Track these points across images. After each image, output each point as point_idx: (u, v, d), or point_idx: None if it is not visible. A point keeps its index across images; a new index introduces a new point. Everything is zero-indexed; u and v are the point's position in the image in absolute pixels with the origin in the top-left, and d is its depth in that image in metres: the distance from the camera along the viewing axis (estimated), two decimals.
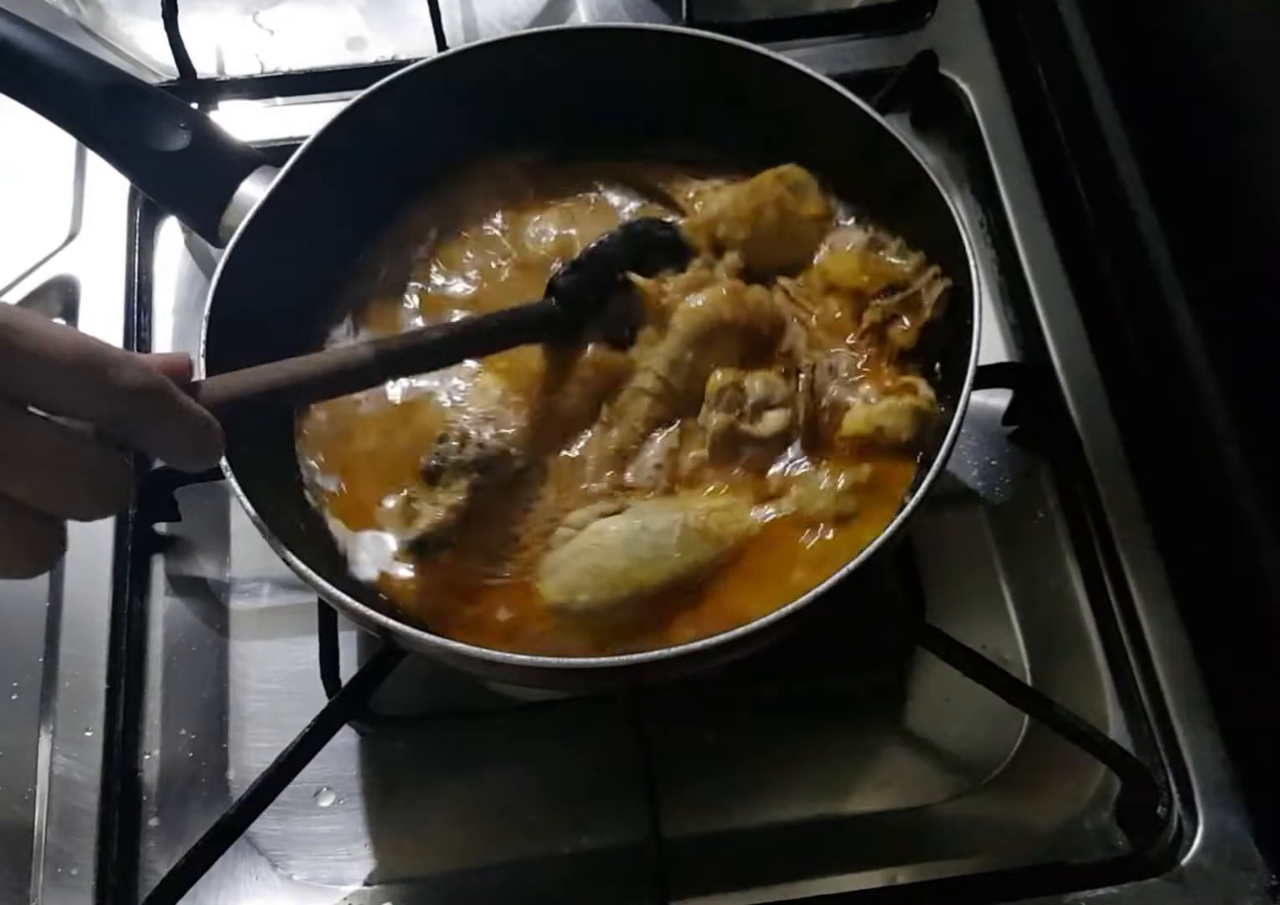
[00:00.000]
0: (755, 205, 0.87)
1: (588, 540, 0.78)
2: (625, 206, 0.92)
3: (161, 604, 0.92)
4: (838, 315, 0.85)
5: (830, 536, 0.78)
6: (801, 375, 0.82)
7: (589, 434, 0.83)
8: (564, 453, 0.82)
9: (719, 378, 0.82)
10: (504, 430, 0.83)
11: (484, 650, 0.71)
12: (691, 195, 0.90)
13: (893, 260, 0.86)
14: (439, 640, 0.71)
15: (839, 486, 0.79)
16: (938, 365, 0.84)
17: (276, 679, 0.89)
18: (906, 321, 0.83)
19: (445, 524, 0.80)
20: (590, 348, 0.83)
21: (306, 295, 0.88)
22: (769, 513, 0.79)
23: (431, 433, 0.83)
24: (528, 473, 0.82)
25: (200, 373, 0.76)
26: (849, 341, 0.84)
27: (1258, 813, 0.81)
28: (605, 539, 0.78)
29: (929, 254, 0.85)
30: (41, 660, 0.88)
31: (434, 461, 0.82)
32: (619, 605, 0.76)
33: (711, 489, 0.80)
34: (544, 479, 0.82)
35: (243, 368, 0.66)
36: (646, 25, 0.93)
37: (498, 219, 0.92)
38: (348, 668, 0.85)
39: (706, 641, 0.69)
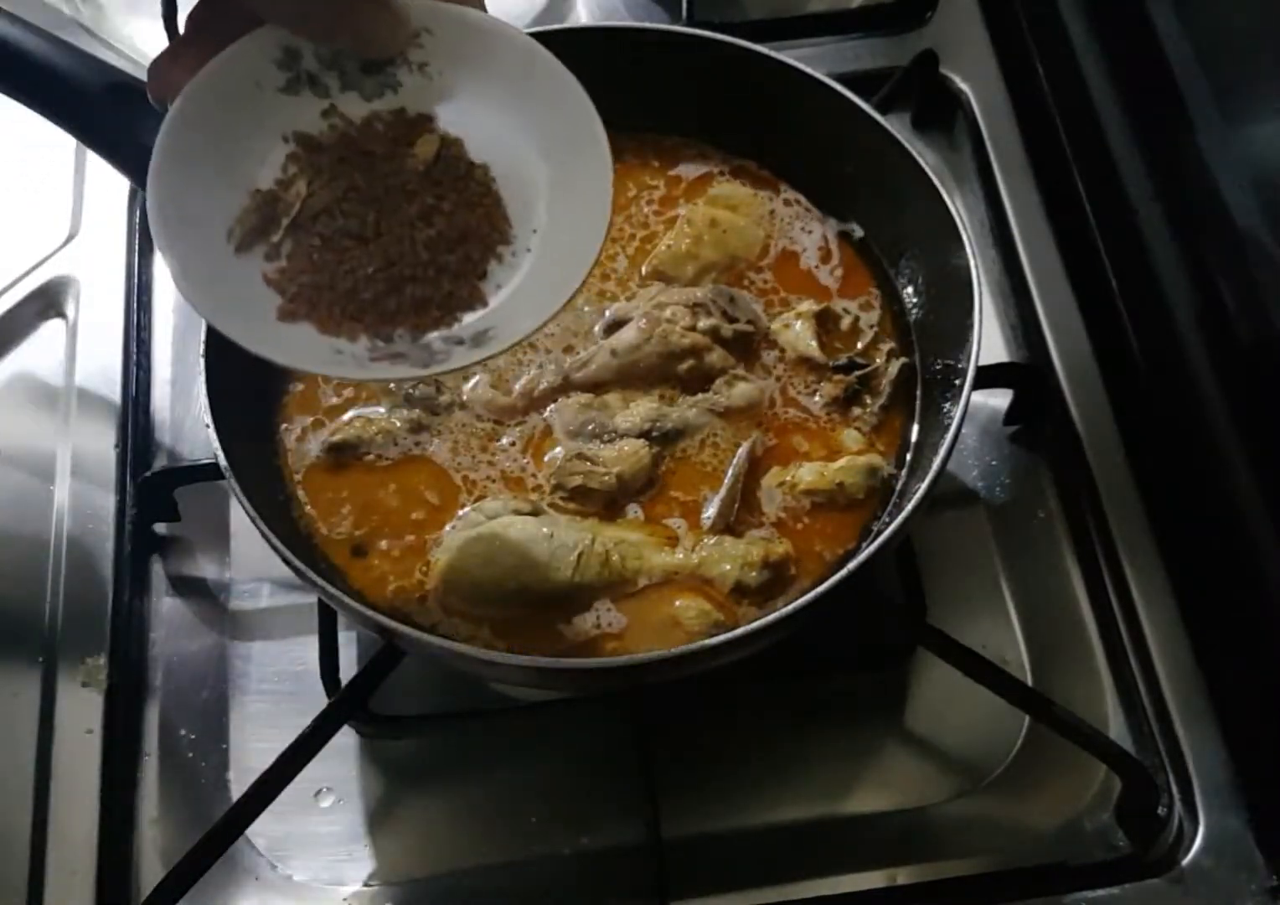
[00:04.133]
0: (694, 236, 0.89)
1: (491, 528, 0.79)
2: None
3: (161, 604, 0.92)
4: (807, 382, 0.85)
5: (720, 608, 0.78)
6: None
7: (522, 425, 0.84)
8: (496, 440, 0.83)
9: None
10: (469, 392, 0.84)
11: (484, 650, 0.71)
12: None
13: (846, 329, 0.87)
14: (439, 640, 0.71)
15: (751, 557, 0.78)
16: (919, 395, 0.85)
17: (276, 679, 0.89)
18: (868, 399, 0.84)
19: (368, 438, 0.83)
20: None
21: None
22: (677, 557, 0.79)
23: None
24: (460, 436, 0.83)
25: (200, 372, 0.76)
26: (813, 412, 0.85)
27: (1258, 813, 0.81)
28: (508, 533, 0.78)
29: (928, 255, 0.85)
30: (41, 660, 0.88)
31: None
32: (501, 599, 0.77)
33: (630, 519, 0.81)
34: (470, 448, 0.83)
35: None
36: (647, 25, 0.93)
37: None
38: (348, 668, 0.85)
39: (706, 641, 0.70)
